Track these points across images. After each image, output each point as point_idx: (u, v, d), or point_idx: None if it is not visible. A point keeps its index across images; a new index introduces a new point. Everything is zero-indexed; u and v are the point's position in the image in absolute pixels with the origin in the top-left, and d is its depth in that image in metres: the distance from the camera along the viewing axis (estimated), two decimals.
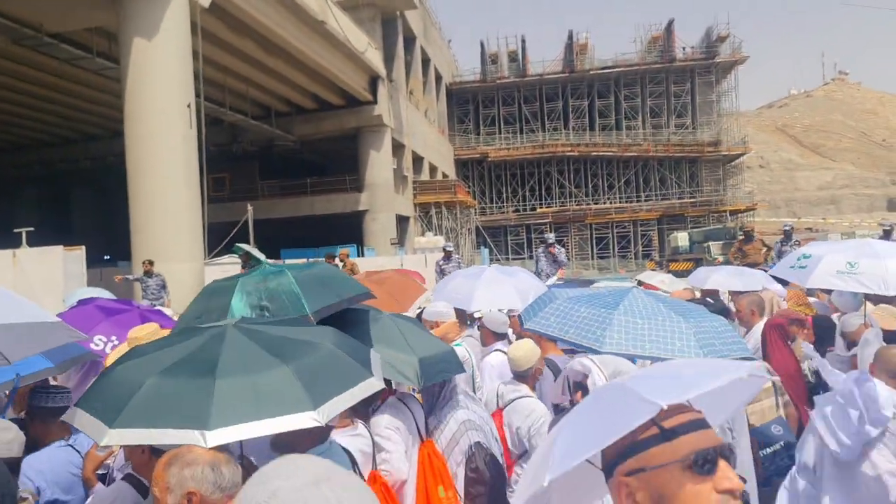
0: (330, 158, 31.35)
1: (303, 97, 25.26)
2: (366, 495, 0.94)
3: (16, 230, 12.55)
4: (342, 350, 1.91)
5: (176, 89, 13.41)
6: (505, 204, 43.41)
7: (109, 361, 2.97)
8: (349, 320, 2.73)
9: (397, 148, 28.13)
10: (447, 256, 12.33)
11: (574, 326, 2.73)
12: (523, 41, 44.76)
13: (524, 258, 35.47)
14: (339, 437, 2.29)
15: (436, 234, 26.79)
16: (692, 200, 42.68)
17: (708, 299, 5.19)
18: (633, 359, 2.84)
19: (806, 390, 3.66)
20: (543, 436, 2.79)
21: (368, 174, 26.65)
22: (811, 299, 5.52)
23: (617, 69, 43.67)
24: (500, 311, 4.48)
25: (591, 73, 43.26)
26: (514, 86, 43.87)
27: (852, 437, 2.00)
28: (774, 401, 3.38)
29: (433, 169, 35.14)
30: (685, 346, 2.55)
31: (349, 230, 26.39)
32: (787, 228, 12.60)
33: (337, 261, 13.48)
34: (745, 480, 1.90)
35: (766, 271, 6.67)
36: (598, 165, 43.58)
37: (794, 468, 2.35)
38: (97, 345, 3.81)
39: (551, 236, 12.63)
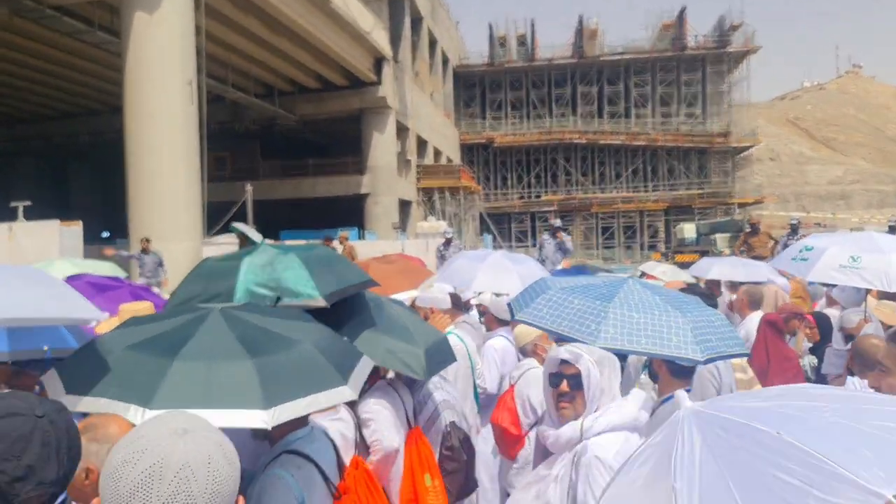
0: (333, 139, 31.11)
1: (306, 76, 24.98)
2: (227, 445, 1.05)
3: (12, 204, 12.47)
4: (322, 352, 1.81)
5: (177, 65, 13.22)
6: (510, 190, 43.16)
7: (100, 331, 2.94)
8: (356, 307, 2.68)
9: (401, 130, 27.84)
10: (447, 242, 12.30)
11: (567, 319, 2.66)
12: (533, 25, 44.24)
13: (528, 246, 35.29)
14: (319, 420, 2.22)
15: (438, 220, 26.58)
16: (700, 192, 42.27)
17: (699, 286, 5.05)
18: (622, 354, 2.74)
19: None
20: None
21: (371, 156, 26.41)
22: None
23: (627, 56, 43.12)
24: (500, 296, 4.46)
25: (601, 59, 42.70)
26: (523, 70, 43.39)
27: None
28: None
29: (437, 153, 34.88)
30: (682, 342, 2.49)
31: (350, 213, 26.25)
32: (793, 223, 12.50)
33: (335, 243, 13.36)
34: None
35: None
36: (606, 154, 43.19)
37: None
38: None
39: (558, 221, 12.56)
